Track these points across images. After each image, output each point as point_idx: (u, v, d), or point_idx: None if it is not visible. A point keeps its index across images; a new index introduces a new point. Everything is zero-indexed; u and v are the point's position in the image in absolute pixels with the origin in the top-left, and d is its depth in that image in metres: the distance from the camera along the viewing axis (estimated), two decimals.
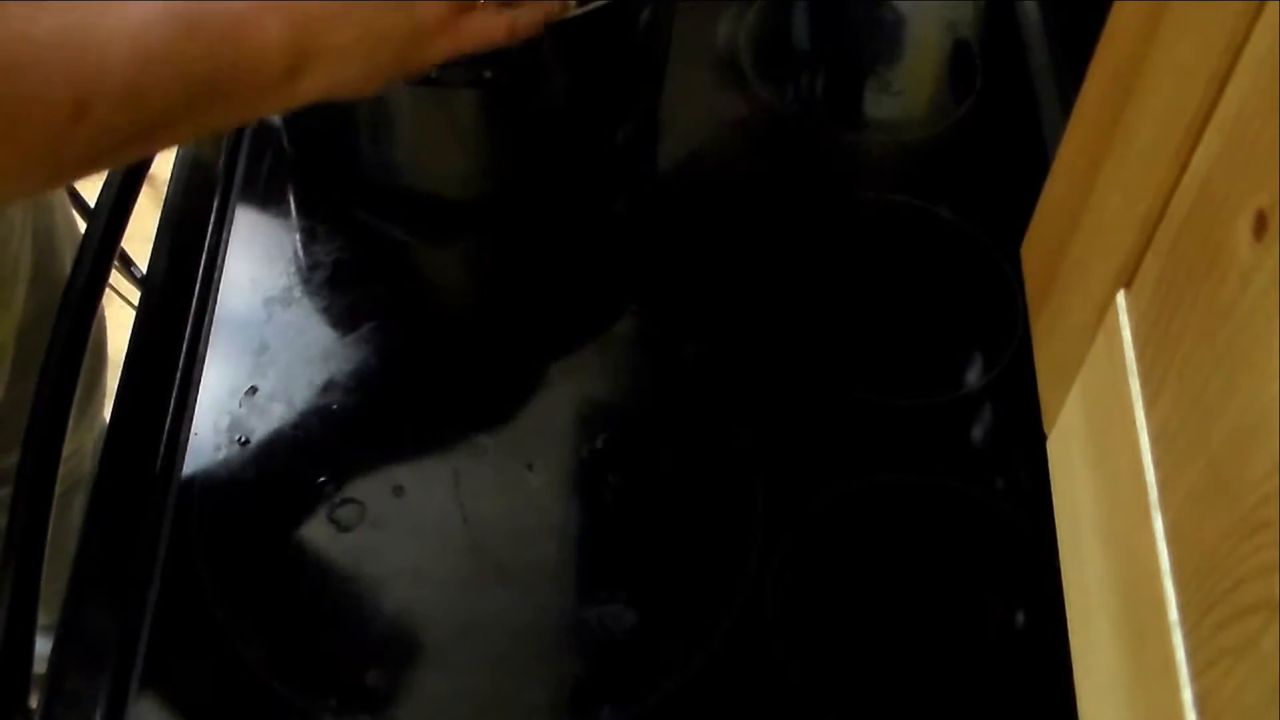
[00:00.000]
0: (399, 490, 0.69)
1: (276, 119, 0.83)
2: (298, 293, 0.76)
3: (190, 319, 0.75)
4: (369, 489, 0.69)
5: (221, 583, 0.66)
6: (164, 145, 0.55)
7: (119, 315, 1.07)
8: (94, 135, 0.49)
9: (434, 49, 0.60)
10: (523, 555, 0.68)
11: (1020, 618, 0.68)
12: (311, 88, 0.56)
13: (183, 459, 0.70)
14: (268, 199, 0.81)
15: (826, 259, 0.81)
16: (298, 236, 0.80)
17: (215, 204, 0.79)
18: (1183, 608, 0.41)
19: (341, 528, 0.68)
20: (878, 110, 0.90)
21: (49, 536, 0.67)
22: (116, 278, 1.15)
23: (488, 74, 0.71)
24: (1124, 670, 0.46)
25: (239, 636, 0.64)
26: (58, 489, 0.68)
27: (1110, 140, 0.53)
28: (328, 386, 0.73)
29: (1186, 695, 0.40)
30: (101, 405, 1.07)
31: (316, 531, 0.68)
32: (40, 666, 0.64)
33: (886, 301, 0.79)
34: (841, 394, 0.74)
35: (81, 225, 0.96)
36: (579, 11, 0.73)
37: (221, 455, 0.70)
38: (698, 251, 0.80)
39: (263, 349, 0.74)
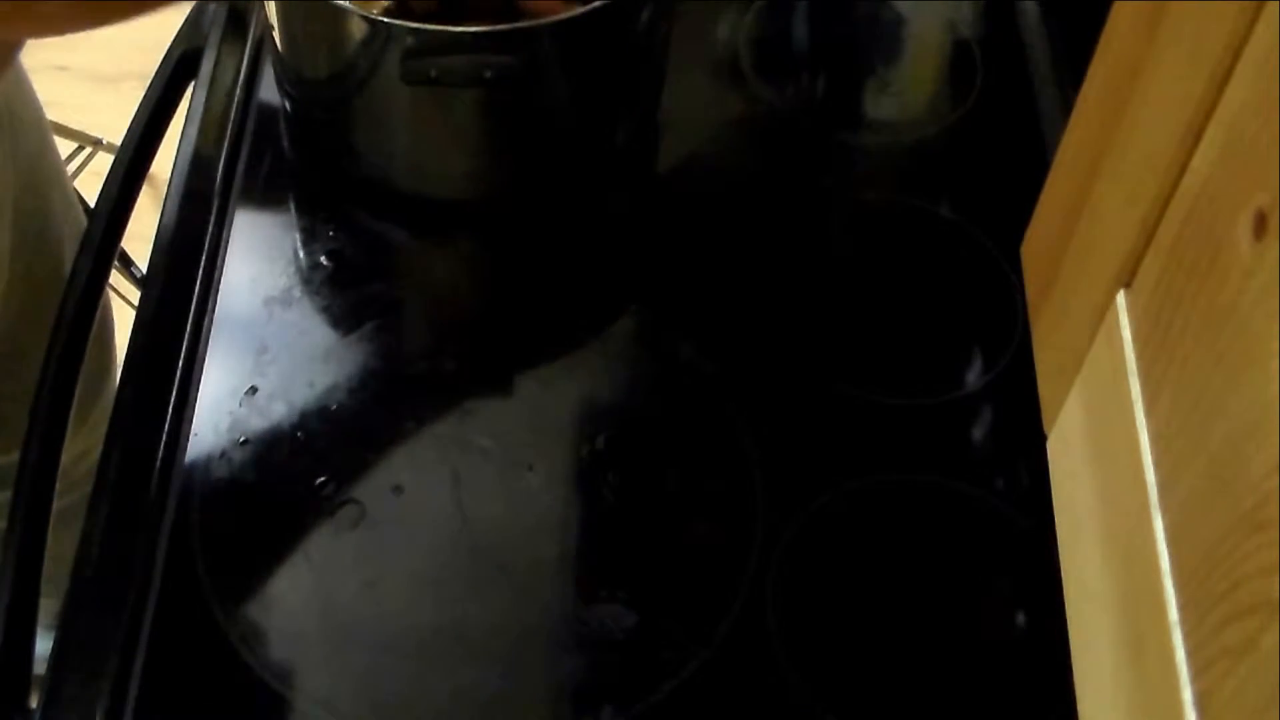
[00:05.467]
0: (399, 490, 0.69)
1: (279, 118, 0.83)
2: (298, 293, 0.76)
3: (190, 319, 0.74)
4: (369, 489, 0.69)
5: (221, 583, 0.66)
6: None
7: (119, 315, 1.07)
8: None
9: None
10: (523, 555, 0.68)
11: (1020, 618, 0.68)
12: None
13: (183, 459, 0.70)
14: (268, 199, 0.81)
15: (827, 259, 0.81)
16: (298, 236, 0.80)
17: (215, 204, 0.79)
18: (1183, 608, 0.41)
19: (341, 528, 0.68)
20: (878, 110, 0.90)
21: (69, 542, 0.66)
22: (116, 278, 1.15)
23: (488, 74, 0.71)
24: (1124, 670, 0.46)
25: (239, 637, 0.64)
26: (72, 495, 0.68)
27: (1110, 140, 0.53)
28: (328, 386, 0.73)
29: (1186, 695, 0.40)
30: (110, 406, 1.06)
31: (316, 532, 0.68)
32: (40, 667, 0.64)
33: (887, 301, 0.79)
34: (841, 394, 0.74)
35: (83, 219, 0.96)
36: (579, 11, 0.73)
37: (221, 455, 0.70)
38: (697, 251, 0.80)
39: (263, 349, 0.74)
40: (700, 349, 0.75)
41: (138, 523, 0.67)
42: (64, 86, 1.69)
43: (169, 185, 0.80)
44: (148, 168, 0.80)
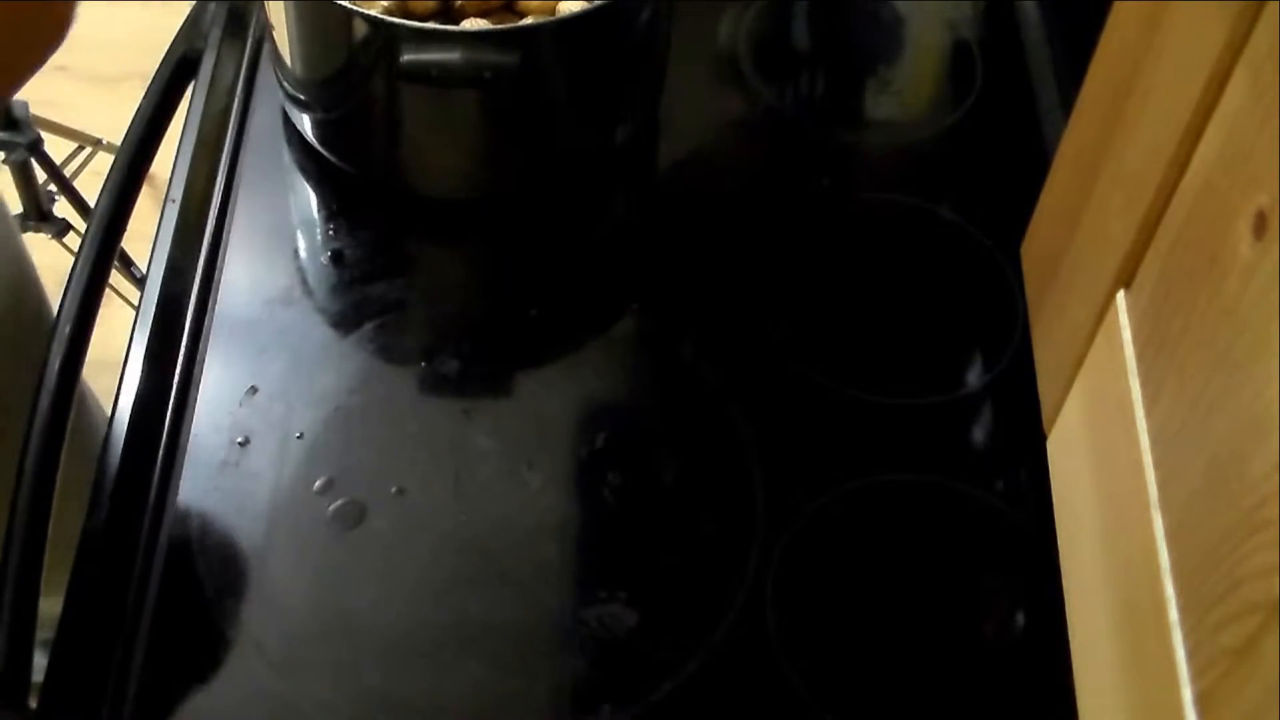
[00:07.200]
0: (399, 490, 0.69)
1: (279, 117, 0.83)
2: (298, 293, 0.76)
3: (190, 319, 0.75)
4: (369, 489, 0.69)
5: (221, 584, 0.66)
6: None
7: (119, 315, 1.07)
8: None
9: None
10: (523, 555, 0.68)
11: (1020, 618, 0.68)
12: None
13: (182, 459, 0.70)
14: (268, 199, 0.81)
15: (827, 259, 0.81)
16: (298, 236, 0.80)
17: (215, 204, 0.79)
18: (1183, 608, 0.41)
19: (342, 528, 0.68)
20: (878, 110, 0.90)
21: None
22: (116, 278, 1.15)
23: (488, 74, 0.71)
24: (1124, 670, 0.46)
25: (239, 638, 0.64)
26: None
27: (1110, 140, 0.53)
28: (328, 386, 0.73)
29: (1186, 695, 0.40)
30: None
31: (317, 532, 0.68)
32: (38, 674, 0.64)
33: (887, 301, 0.79)
34: (841, 394, 0.74)
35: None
36: (579, 10, 0.73)
37: (221, 455, 0.70)
38: (698, 251, 0.80)
39: (263, 349, 0.74)
40: (700, 349, 0.75)
41: (137, 524, 0.67)
42: (64, 86, 1.69)
43: (169, 185, 0.80)
44: (148, 168, 0.80)
